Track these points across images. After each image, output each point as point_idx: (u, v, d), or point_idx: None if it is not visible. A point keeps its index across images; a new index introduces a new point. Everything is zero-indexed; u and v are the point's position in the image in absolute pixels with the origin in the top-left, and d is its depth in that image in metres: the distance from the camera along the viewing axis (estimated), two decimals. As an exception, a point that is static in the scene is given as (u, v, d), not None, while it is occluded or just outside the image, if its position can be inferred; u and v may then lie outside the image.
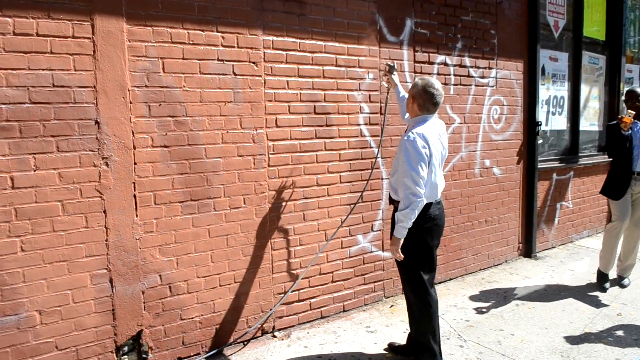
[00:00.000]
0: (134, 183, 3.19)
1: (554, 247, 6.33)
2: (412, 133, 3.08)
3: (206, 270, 3.53)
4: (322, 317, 4.16)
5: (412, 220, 3.06)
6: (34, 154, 2.85)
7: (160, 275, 3.34)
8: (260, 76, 3.66)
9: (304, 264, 4.00)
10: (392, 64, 3.88)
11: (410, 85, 4.48)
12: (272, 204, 3.80)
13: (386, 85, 3.98)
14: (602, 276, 4.97)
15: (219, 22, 3.44)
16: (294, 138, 3.86)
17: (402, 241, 3.11)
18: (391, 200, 3.38)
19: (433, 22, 4.68)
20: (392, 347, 3.70)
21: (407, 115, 3.59)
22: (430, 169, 3.12)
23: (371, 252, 4.43)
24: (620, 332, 3.90)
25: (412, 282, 3.31)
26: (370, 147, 4.31)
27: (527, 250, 5.92)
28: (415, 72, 4.56)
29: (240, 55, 3.55)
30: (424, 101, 3.17)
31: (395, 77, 3.90)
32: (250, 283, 3.74)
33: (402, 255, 3.15)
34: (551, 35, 6.14)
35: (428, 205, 3.18)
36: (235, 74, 3.54)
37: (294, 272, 3.96)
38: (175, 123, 3.32)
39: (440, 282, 5.02)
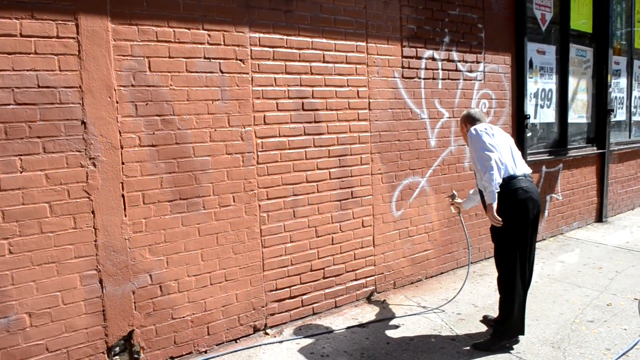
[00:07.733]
0: (122, 183, 3.18)
1: (544, 239, 6.37)
2: (469, 130, 3.51)
3: (196, 269, 3.53)
4: (314, 314, 4.17)
5: (496, 182, 3.25)
6: (20, 155, 2.83)
7: (150, 275, 3.34)
8: (248, 73, 3.65)
9: (295, 260, 4.01)
10: (451, 193, 4.33)
11: (399, 81, 4.52)
12: (262, 201, 3.80)
13: (454, 211, 4.35)
14: None
15: (205, 20, 3.43)
16: (282, 135, 3.86)
17: (495, 205, 3.31)
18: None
19: (420, 16, 4.69)
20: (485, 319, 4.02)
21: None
22: (498, 148, 3.36)
23: (362, 247, 4.44)
24: (610, 323, 3.94)
25: (503, 257, 3.52)
26: (360, 143, 4.32)
27: (518, 242, 5.95)
28: (403, 67, 4.57)
29: (227, 52, 3.55)
30: (472, 119, 3.66)
31: (458, 200, 4.27)
32: (241, 281, 3.74)
33: (500, 219, 3.32)
34: (538, 29, 6.16)
35: (517, 180, 3.37)
36: (222, 72, 3.53)
37: (285, 269, 3.96)
38: (163, 122, 3.31)
39: (432, 276, 5.04)
